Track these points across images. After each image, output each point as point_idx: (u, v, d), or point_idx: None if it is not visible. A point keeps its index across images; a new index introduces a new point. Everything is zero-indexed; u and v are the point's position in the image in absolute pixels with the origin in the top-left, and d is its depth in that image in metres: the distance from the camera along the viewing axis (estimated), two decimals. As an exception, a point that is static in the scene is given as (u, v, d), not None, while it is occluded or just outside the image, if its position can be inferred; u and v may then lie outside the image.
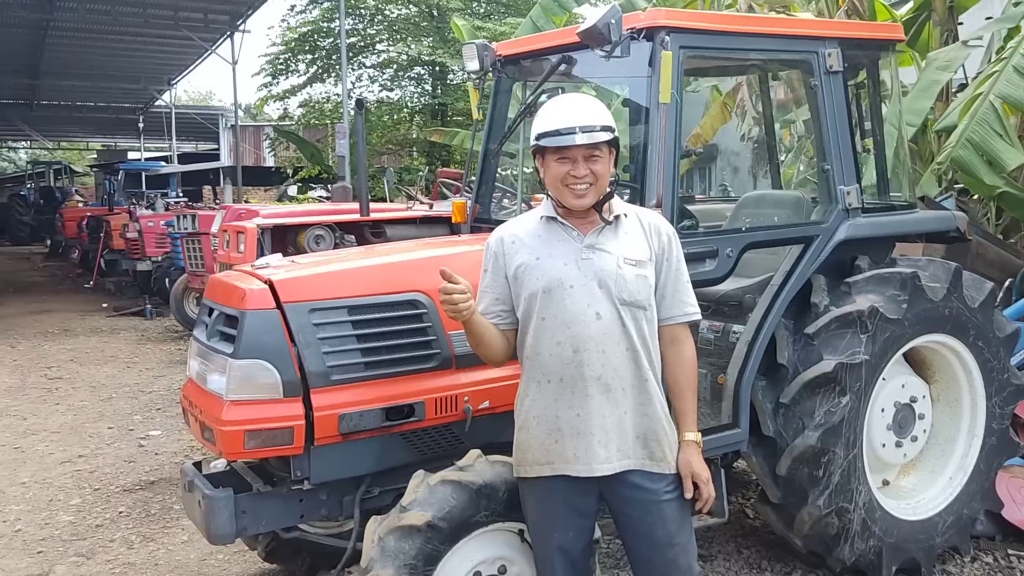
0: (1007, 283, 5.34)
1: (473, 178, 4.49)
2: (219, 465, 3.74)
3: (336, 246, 5.37)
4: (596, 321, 2.53)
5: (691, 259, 3.41)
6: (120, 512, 4.89)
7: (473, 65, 4.15)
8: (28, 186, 32.56)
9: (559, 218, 2.64)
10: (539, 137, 2.56)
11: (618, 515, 2.66)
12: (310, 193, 23.91)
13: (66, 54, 22.94)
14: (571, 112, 2.54)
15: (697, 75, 6.20)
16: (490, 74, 4.21)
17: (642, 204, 3.24)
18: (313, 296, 3.08)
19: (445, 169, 14.89)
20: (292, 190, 25.29)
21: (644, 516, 2.60)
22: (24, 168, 41.49)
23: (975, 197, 6.81)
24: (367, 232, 5.64)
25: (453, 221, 4.43)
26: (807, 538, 3.71)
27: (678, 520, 2.63)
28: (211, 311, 3.26)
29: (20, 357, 9.55)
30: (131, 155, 36.62)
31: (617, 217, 2.62)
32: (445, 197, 11.09)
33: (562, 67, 3.84)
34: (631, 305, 2.56)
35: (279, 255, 3.33)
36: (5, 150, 50.20)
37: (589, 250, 2.58)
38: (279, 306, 3.01)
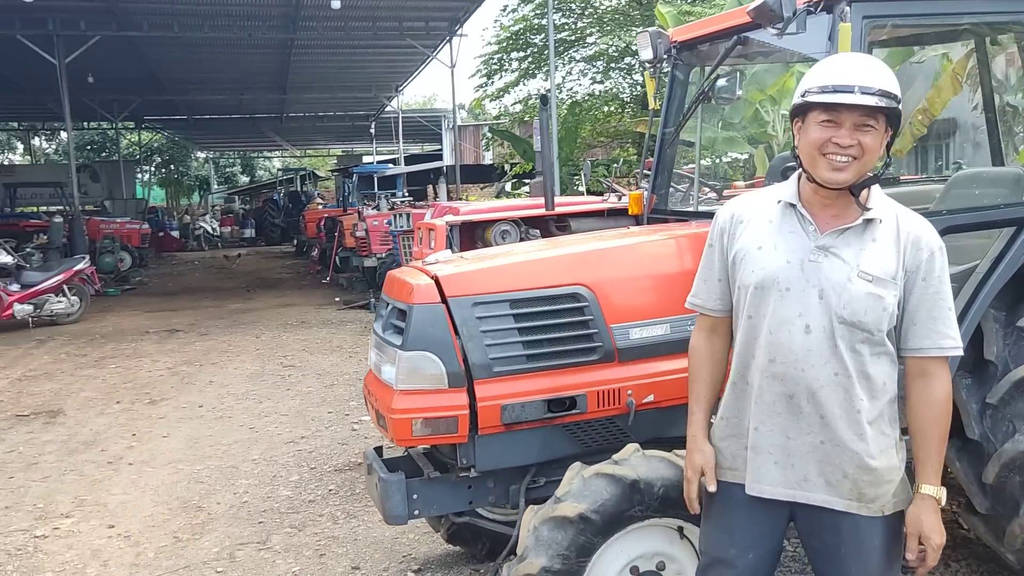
0: None
1: (648, 171, 4.43)
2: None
3: (522, 240, 5.52)
4: (803, 334, 2.20)
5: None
6: (330, 490, 5.33)
7: (647, 54, 4.09)
8: (279, 191, 36.16)
9: (799, 206, 2.28)
10: (805, 93, 2.17)
11: (811, 547, 2.36)
12: (523, 188, 24.60)
13: (308, 69, 25.22)
14: (851, 69, 2.14)
15: (891, 45, 5.68)
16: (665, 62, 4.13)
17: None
18: (476, 290, 3.18)
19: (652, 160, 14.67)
20: (508, 186, 26.16)
21: (841, 559, 2.27)
22: (276, 176, 46.19)
23: None
24: (552, 226, 5.74)
25: (630, 212, 4.40)
26: (1020, 553, 3.32)
27: (881, 571, 2.28)
28: (387, 305, 3.47)
29: (262, 347, 10.63)
30: (365, 159, 39.56)
31: (870, 221, 2.21)
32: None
33: (737, 49, 3.69)
34: (852, 326, 2.18)
35: (449, 251, 3.48)
36: (261, 160, 56.17)
37: (820, 252, 2.21)
38: (444, 300, 3.15)
